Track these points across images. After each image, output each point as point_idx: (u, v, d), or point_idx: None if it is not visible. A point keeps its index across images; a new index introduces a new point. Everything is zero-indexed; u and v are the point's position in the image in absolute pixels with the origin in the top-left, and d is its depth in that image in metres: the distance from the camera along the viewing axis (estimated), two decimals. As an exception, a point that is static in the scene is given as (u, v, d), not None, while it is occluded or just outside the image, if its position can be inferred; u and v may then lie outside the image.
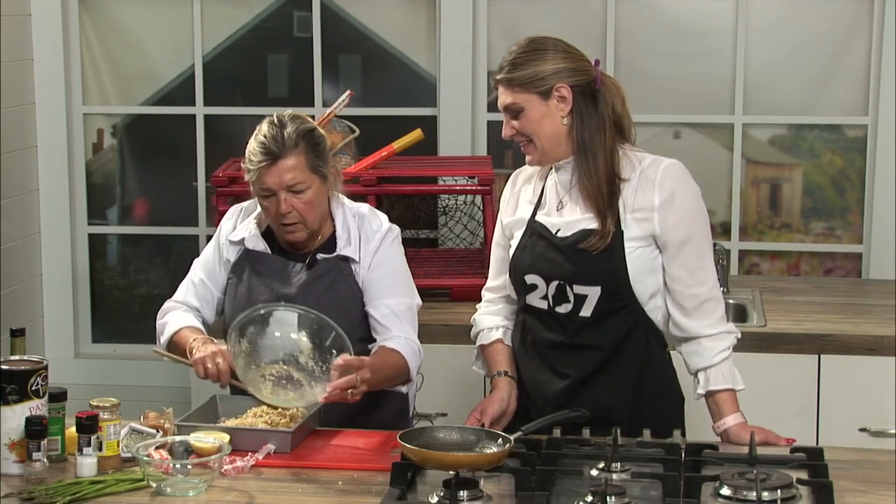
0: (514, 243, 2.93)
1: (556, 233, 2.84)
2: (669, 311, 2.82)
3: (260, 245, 3.03)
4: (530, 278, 2.87)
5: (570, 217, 2.84)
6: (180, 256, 4.81)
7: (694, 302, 2.79)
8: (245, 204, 3.13)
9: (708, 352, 2.79)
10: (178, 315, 3.04)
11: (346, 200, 3.08)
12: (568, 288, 2.82)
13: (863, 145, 4.45)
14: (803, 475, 2.46)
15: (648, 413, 2.82)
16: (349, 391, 2.70)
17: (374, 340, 3.00)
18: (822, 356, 3.63)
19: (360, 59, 4.71)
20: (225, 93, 4.74)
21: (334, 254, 2.99)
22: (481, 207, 4.19)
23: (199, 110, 4.72)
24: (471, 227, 4.40)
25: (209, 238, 4.64)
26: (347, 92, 4.15)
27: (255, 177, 2.91)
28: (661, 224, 2.78)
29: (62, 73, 4.68)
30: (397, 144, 4.14)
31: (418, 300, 3.09)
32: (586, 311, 2.81)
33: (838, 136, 4.49)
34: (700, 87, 4.49)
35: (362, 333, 3.00)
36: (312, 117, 4.32)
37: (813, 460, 2.54)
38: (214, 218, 4.19)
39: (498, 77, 2.81)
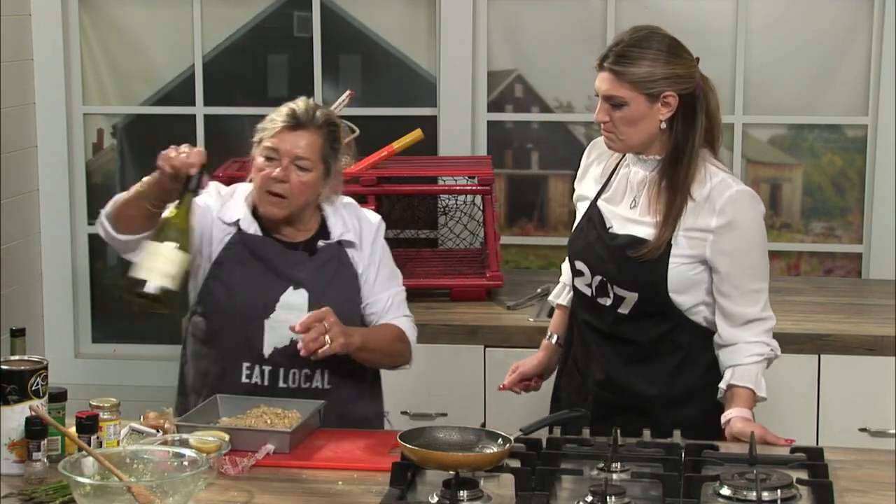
0: (577, 219, 2.98)
1: (609, 228, 2.87)
2: (716, 319, 2.83)
3: (252, 228, 2.97)
4: (579, 264, 2.91)
5: (629, 214, 2.85)
6: (180, 256, 4.81)
7: (741, 320, 2.81)
8: (221, 187, 3.05)
9: (741, 351, 2.80)
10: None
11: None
12: (609, 286, 2.85)
13: (863, 145, 4.45)
14: (803, 475, 2.45)
15: (688, 411, 2.84)
16: (322, 340, 2.74)
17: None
18: (822, 356, 3.64)
19: (360, 59, 4.71)
20: (225, 93, 4.75)
21: (334, 240, 2.98)
22: (481, 207, 4.19)
23: (199, 110, 4.72)
24: (471, 227, 4.40)
25: (209, 238, 4.69)
26: (347, 92, 4.15)
27: (269, 134, 2.89)
28: (712, 247, 2.78)
29: (62, 73, 4.68)
30: (397, 144, 4.14)
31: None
32: (624, 310, 2.85)
33: (838, 136, 4.49)
34: (700, 87, 4.49)
35: (359, 324, 2.99)
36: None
37: (813, 460, 2.54)
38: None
39: (607, 64, 2.78)
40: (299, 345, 2.77)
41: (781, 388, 3.63)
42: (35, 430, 2.49)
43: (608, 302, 2.86)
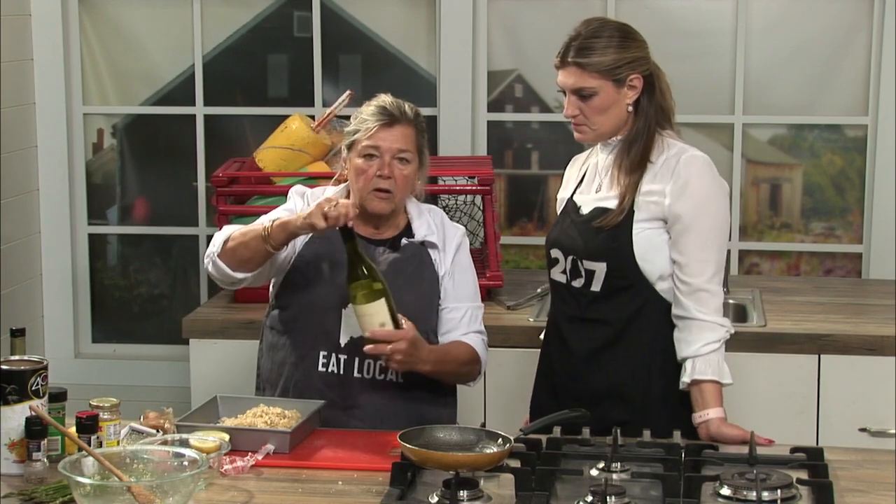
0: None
1: (579, 210, 2.94)
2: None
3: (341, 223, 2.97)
4: (554, 252, 2.98)
5: (596, 196, 2.93)
6: (180, 256, 4.81)
7: (687, 289, 2.83)
8: (307, 189, 3.09)
9: (697, 341, 2.81)
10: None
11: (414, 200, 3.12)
12: (579, 263, 2.90)
13: (863, 145, 4.45)
14: (803, 475, 2.46)
15: (661, 390, 2.86)
16: (384, 357, 2.80)
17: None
18: (822, 356, 3.63)
19: (360, 59, 4.71)
20: (225, 93, 4.74)
21: (417, 240, 3.02)
22: (481, 207, 4.19)
23: (199, 110, 4.72)
24: (471, 227, 4.40)
25: (209, 238, 4.67)
26: (347, 92, 4.15)
27: (366, 135, 2.93)
28: (668, 209, 2.83)
29: (62, 73, 4.68)
30: (397, 144, 4.13)
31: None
32: (596, 286, 2.88)
33: (838, 136, 4.49)
34: (700, 87, 4.49)
35: (435, 325, 3.02)
36: (312, 117, 4.34)
37: (813, 460, 2.54)
38: (214, 218, 4.19)
39: (571, 59, 2.85)
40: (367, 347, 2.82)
41: (781, 388, 3.64)
42: (35, 430, 2.49)
43: (581, 282, 2.91)
